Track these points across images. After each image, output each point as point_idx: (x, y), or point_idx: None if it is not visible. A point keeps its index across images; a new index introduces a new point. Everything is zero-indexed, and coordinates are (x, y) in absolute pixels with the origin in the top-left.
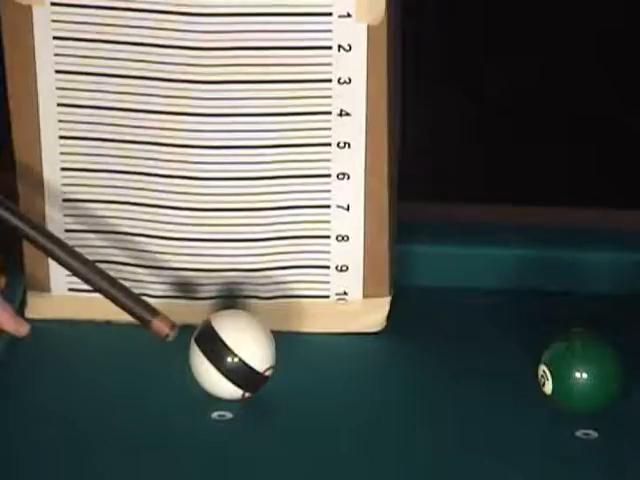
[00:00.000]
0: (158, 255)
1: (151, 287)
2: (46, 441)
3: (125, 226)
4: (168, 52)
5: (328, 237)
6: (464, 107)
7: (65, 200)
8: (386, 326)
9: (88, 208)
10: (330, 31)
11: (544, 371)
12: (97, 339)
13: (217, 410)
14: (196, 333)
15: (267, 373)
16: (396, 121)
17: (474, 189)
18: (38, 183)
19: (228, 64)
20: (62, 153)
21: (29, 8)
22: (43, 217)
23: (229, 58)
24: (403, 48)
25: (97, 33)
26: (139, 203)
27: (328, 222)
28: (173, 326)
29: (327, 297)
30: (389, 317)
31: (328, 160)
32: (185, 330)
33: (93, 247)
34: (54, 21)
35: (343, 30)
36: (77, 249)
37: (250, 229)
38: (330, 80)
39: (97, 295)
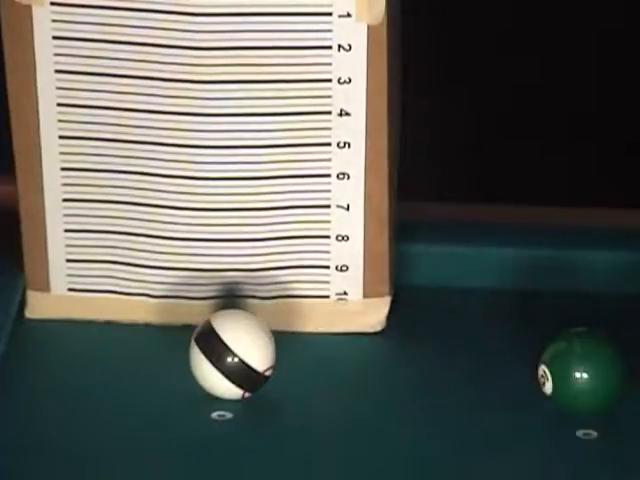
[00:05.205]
0: (158, 255)
1: (151, 287)
2: (46, 441)
3: (125, 226)
4: (168, 52)
5: (328, 237)
6: (464, 107)
7: (65, 200)
8: (386, 326)
9: (88, 208)
10: (330, 31)
11: (544, 371)
12: (97, 339)
13: (217, 410)
14: (196, 333)
15: (267, 373)
16: (396, 121)
17: (474, 189)
18: (38, 183)
19: (228, 64)
20: (62, 153)
21: (29, 8)
22: (43, 217)
23: (229, 58)
24: (403, 48)
25: (97, 33)
26: (139, 203)
27: (328, 222)
28: None
29: (327, 297)
30: (389, 317)
31: (328, 160)
32: (185, 330)
33: (93, 247)
34: (54, 21)
35: (343, 30)
36: (77, 248)
37: (250, 229)
38: (330, 80)
39: (97, 295)
